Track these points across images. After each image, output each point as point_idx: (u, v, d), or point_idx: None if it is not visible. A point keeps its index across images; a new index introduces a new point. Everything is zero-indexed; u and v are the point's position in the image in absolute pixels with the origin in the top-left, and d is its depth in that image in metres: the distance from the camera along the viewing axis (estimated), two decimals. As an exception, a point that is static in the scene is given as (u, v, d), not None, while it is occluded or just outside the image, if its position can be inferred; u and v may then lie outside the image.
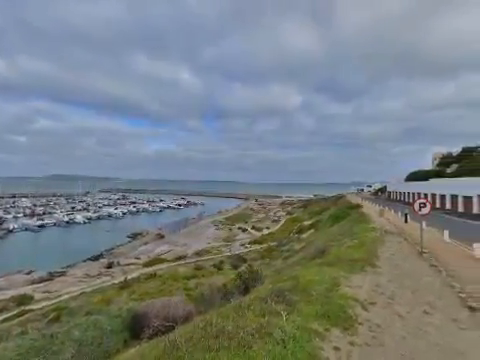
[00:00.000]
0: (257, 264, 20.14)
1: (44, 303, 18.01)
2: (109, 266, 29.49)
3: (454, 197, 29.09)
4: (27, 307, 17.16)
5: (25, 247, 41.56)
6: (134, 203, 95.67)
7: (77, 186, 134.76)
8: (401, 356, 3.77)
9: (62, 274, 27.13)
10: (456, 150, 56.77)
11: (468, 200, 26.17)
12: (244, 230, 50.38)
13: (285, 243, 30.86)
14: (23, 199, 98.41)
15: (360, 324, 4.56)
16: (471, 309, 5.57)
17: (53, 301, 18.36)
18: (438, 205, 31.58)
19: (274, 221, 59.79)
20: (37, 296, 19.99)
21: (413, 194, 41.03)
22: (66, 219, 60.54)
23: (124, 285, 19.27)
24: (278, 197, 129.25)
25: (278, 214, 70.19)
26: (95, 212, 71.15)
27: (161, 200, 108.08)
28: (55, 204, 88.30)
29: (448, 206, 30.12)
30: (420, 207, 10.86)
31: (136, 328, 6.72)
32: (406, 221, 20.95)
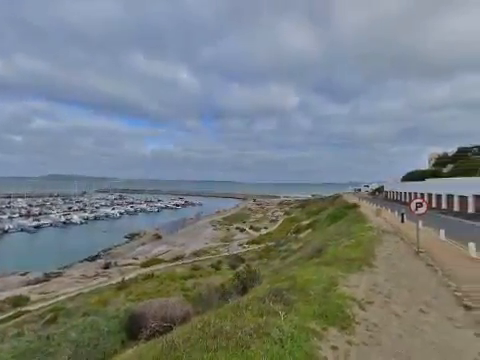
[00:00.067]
0: (255, 264, 20.16)
1: (40, 304, 17.83)
2: (106, 267, 29.29)
3: (450, 197, 29.39)
4: (23, 308, 16.98)
5: (21, 248, 41.12)
6: (131, 203, 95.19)
7: (74, 186, 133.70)
8: (398, 355, 3.80)
9: (58, 275, 26.89)
10: (452, 150, 57.43)
11: (463, 200, 26.46)
12: (242, 230, 50.38)
13: (283, 243, 30.91)
14: (19, 199, 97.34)
15: (357, 323, 4.59)
16: (466, 308, 5.63)
17: (49, 302, 18.19)
18: (434, 205, 31.88)
19: (272, 221, 59.88)
20: (33, 297, 19.79)
21: (410, 194, 41.36)
22: (63, 219, 60.02)
23: (121, 286, 19.17)
24: (276, 197, 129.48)
25: (276, 214, 70.30)
26: (92, 212, 70.61)
27: (159, 200, 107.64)
28: (51, 204, 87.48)
29: (444, 206, 30.41)
30: (416, 207, 10.95)
31: (133, 329, 6.68)
32: (403, 221, 21.11)
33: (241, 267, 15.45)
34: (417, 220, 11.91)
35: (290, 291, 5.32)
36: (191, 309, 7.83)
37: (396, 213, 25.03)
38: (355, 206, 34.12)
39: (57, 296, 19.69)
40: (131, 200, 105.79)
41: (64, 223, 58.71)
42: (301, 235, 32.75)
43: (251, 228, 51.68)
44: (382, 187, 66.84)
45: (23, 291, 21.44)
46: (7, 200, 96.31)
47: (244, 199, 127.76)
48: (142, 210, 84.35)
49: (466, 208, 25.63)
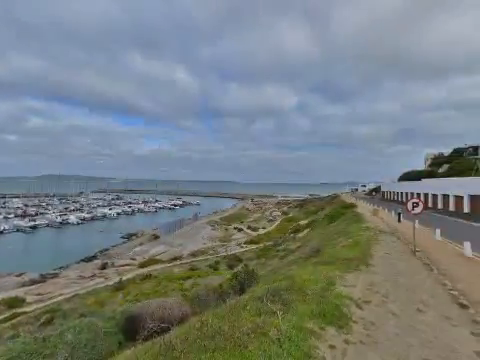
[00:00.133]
0: (253, 264, 20.19)
1: (36, 306, 17.66)
2: (103, 267, 29.09)
3: (445, 197, 29.70)
4: (19, 310, 16.81)
5: (16, 248, 40.64)
6: (129, 203, 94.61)
7: (70, 186, 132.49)
8: (395, 353, 3.83)
9: (55, 276, 26.63)
10: (447, 151, 58.09)
11: (459, 199, 26.76)
12: (240, 230, 50.38)
13: (281, 243, 30.97)
14: (14, 199, 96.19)
15: (355, 322, 4.61)
16: (462, 306, 5.70)
17: (45, 303, 18.02)
18: (430, 205, 32.19)
19: (270, 221, 59.98)
20: (29, 299, 19.58)
21: (406, 194, 41.72)
22: (59, 220, 59.47)
23: (119, 286, 19.07)
24: (274, 197, 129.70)
25: (274, 214, 70.42)
26: (89, 213, 70.05)
27: (156, 200, 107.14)
28: (48, 205, 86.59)
29: (440, 205, 30.73)
30: (413, 206, 11.05)
31: (131, 330, 6.64)
32: (399, 220, 21.28)
33: (239, 267, 15.46)
34: (413, 220, 12.02)
35: (288, 291, 5.33)
36: (189, 309, 7.81)
37: (393, 213, 25.24)
38: (352, 206, 34.32)
39: (53, 297, 19.51)
40: (128, 200, 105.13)
41: (60, 223, 58.17)
42: (299, 235, 32.84)
43: (249, 228, 51.70)
44: (379, 187, 67.35)
45: (19, 292, 21.20)
46: (2, 200, 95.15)
47: (242, 199, 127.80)
48: (139, 210, 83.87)
49: (461, 208, 25.93)
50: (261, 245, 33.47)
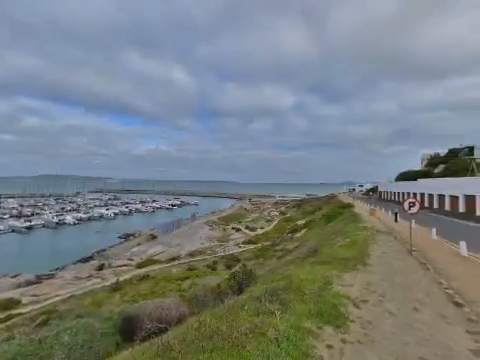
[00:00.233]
0: (251, 264, 20.19)
1: (32, 307, 17.48)
2: (100, 268, 28.88)
3: (441, 197, 30.00)
4: (14, 311, 16.62)
5: (12, 249, 40.16)
6: (126, 203, 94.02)
7: (67, 186, 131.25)
8: (392, 352, 3.86)
9: (51, 277, 26.38)
10: (443, 151, 58.71)
11: (454, 199, 27.05)
12: (238, 230, 50.37)
13: (279, 243, 31.04)
14: (10, 200, 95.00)
15: (352, 322, 4.64)
16: (457, 305, 5.76)
17: (41, 305, 17.84)
18: (426, 204, 32.50)
19: (268, 221, 60.06)
20: (24, 300, 19.37)
21: (403, 194, 42.07)
22: (55, 220, 58.85)
23: (116, 287, 18.95)
24: (272, 197, 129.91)
25: (272, 214, 70.53)
26: (86, 213, 69.46)
27: (154, 200, 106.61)
28: (44, 205, 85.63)
29: (436, 205, 31.03)
30: (409, 206, 11.15)
31: (128, 330, 6.60)
32: (396, 220, 21.46)
33: (237, 267, 15.45)
34: (410, 219, 12.13)
35: (286, 291, 5.34)
36: (187, 310, 7.79)
37: (390, 213, 25.44)
38: (350, 206, 34.52)
39: (49, 298, 19.32)
40: (126, 200, 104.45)
41: (57, 224, 57.57)
42: (297, 235, 32.94)
43: (247, 228, 51.72)
44: (376, 187, 67.84)
45: (14, 294, 20.95)
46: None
47: (240, 199, 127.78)
48: (137, 210, 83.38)
49: (457, 208, 26.21)
50: (259, 245, 33.50)
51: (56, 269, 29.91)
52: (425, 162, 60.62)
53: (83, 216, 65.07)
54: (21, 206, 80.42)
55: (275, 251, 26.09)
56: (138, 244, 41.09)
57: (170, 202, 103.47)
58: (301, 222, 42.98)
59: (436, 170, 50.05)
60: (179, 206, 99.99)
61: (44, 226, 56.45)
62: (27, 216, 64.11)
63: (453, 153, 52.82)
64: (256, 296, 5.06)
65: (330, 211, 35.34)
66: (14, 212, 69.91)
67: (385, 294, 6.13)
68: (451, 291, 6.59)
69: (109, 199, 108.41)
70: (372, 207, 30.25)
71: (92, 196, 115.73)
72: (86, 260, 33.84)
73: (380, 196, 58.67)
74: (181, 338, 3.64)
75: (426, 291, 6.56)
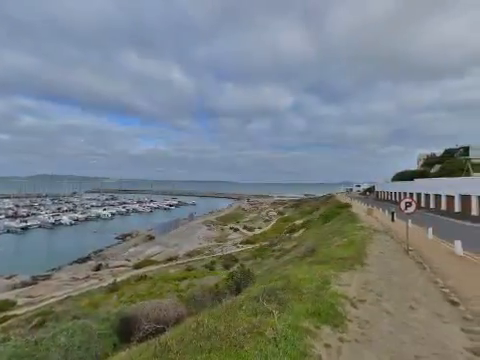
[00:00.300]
0: (249, 264, 20.20)
1: (27, 308, 17.30)
2: (97, 268, 28.69)
3: (437, 196, 30.29)
4: (9, 313, 16.43)
5: (7, 250, 39.69)
6: (123, 204, 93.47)
7: (63, 186, 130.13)
8: (389, 350, 3.89)
9: (47, 278, 26.13)
10: (439, 151, 59.27)
11: (450, 199, 27.33)
12: (236, 230, 50.36)
13: (276, 242, 31.10)
14: (5, 200, 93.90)
15: (349, 321, 4.66)
16: (453, 303, 5.82)
17: (37, 306, 17.67)
18: (423, 204, 32.78)
19: (266, 221, 60.15)
20: (20, 301, 19.16)
21: (399, 193, 42.38)
22: (52, 220, 58.30)
23: (113, 288, 18.83)
24: (270, 197, 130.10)
25: (270, 214, 70.65)
26: (82, 213, 68.92)
27: (151, 200, 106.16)
28: (40, 205, 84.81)
29: (432, 205, 31.31)
30: (406, 206, 11.24)
31: (126, 331, 6.57)
32: (393, 220, 21.63)
33: (235, 267, 15.45)
34: (406, 219, 12.22)
35: (284, 290, 5.35)
36: (185, 310, 7.77)
37: (386, 212, 25.63)
38: (347, 206, 34.71)
39: (45, 300, 19.14)
40: (123, 200, 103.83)
41: (53, 224, 57.04)
42: (294, 235, 33.03)
43: (245, 228, 51.73)
44: (373, 187, 68.25)
45: (9, 295, 20.73)
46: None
47: (238, 199, 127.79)
48: (134, 210, 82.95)
49: (453, 207, 26.48)
50: (257, 245, 33.53)
51: (52, 270, 29.62)
52: (421, 162, 61.11)
53: (80, 216, 64.56)
54: (17, 206, 79.56)
55: (273, 251, 26.14)
56: (135, 244, 40.88)
57: (168, 202, 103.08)
58: (299, 222, 43.10)
59: (432, 170, 50.48)
60: (177, 206, 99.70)
61: (40, 226, 55.88)
62: (23, 216, 63.46)
63: (449, 153, 53.34)
64: (254, 296, 5.07)
65: (328, 211, 35.50)
66: (10, 212, 69.11)
67: (382, 293, 6.17)
68: (447, 290, 6.65)
69: (106, 199, 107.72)
70: (369, 207, 30.45)
71: (89, 196, 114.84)
72: (83, 261, 33.58)
73: (377, 196, 59.05)
74: (179, 338, 3.63)
75: (422, 290, 6.62)
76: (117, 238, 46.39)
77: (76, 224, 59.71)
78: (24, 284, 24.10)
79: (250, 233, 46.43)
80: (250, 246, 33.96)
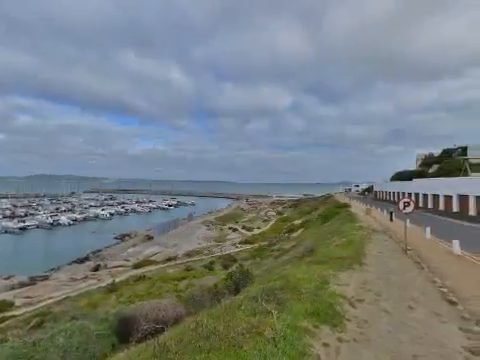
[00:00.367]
0: (248, 264, 20.22)
1: (25, 309, 17.22)
2: (96, 269, 28.58)
3: (435, 196, 30.44)
4: (7, 314, 16.34)
5: (5, 251, 39.46)
6: (122, 204, 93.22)
7: (62, 186, 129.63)
8: (387, 350, 3.90)
9: (45, 278, 26.00)
10: (437, 151, 59.55)
11: (448, 199, 27.46)
12: (235, 230, 50.36)
13: (275, 242, 31.12)
14: (3, 200, 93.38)
15: (348, 320, 4.68)
16: (451, 303, 5.85)
17: (35, 307, 17.58)
18: (421, 204, 32.93)
19: (265, 221, 60.18)
20: (18, 302, 19.06)
21: (398, 193, 42.55)
22: (50, 221, 58.01)
23: (112, 288, 18.77)
24: (268, 197, 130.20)
25: (269, 214, 70.70)
26: (81, 213, 68.65)
27: (150, 200, 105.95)
28: (38, 205, 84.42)
29: (430, 205, 31.46)
30: (404, 206, 11.28)
31: (125, 332, 6.55)
32: (391, 219, 21.70)
33: (234, 267, 15.45)
34: (405, 219, 12.27)
35: (282, 290, 5.35)
36: (184, 310, 7.76)
37: (385, 212, 25.71)
38: (346, 206, 34.79)
39: (43, 300, 19.05)
40: (122, 200, 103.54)
41: (51, 224, 56.76)
42: (293, 235, 33.06)
43: (244, 228, 51.74)
44: (372, 187, 68.48)
45: (7, 296, 20.61)
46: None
47: (237, 199, 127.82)
48: (133, 211, 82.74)
49: (451, 207, 26.61)
50: (256, 245, 33.55)
51: (51, 270, 29.49)
52: (419, 162, 61.36)
53: (78, 216, 64.29)
54: (14, 207, 79.16)
55: (272, 251, 26.16)
56: (134, 245, 40.78)
57: (167, 202, 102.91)
58: (298, 222, 43.15)
59: (430, 170, 50.71)
60: (176, 206, 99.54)
61: (38, 227, 55.60)
62: (21, 217, 63.12)
63: (447, 153, 53.59)
64: (253, 296, 5.07)
65: (326, 211, 35.57)
66: (7, 213, 68.70)
67: (381, 293, 6.19)
68: (445, 289, 6.69)
69: (105, 199, 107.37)
70: (368, 207, 30.54)
71: (87, 196, 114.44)
72: (81, 261, 33.45)
73: (375, 196, 59.25)
74: (178, 339, 3.62)
75: (421, 290, 6.65)
76: (116, 238, 46.25)
77: (74, 224, 59.49)
78: (22, 285, 23.97)
79: (249, 233, 46.44)
80: (249, 246, 33.97)
